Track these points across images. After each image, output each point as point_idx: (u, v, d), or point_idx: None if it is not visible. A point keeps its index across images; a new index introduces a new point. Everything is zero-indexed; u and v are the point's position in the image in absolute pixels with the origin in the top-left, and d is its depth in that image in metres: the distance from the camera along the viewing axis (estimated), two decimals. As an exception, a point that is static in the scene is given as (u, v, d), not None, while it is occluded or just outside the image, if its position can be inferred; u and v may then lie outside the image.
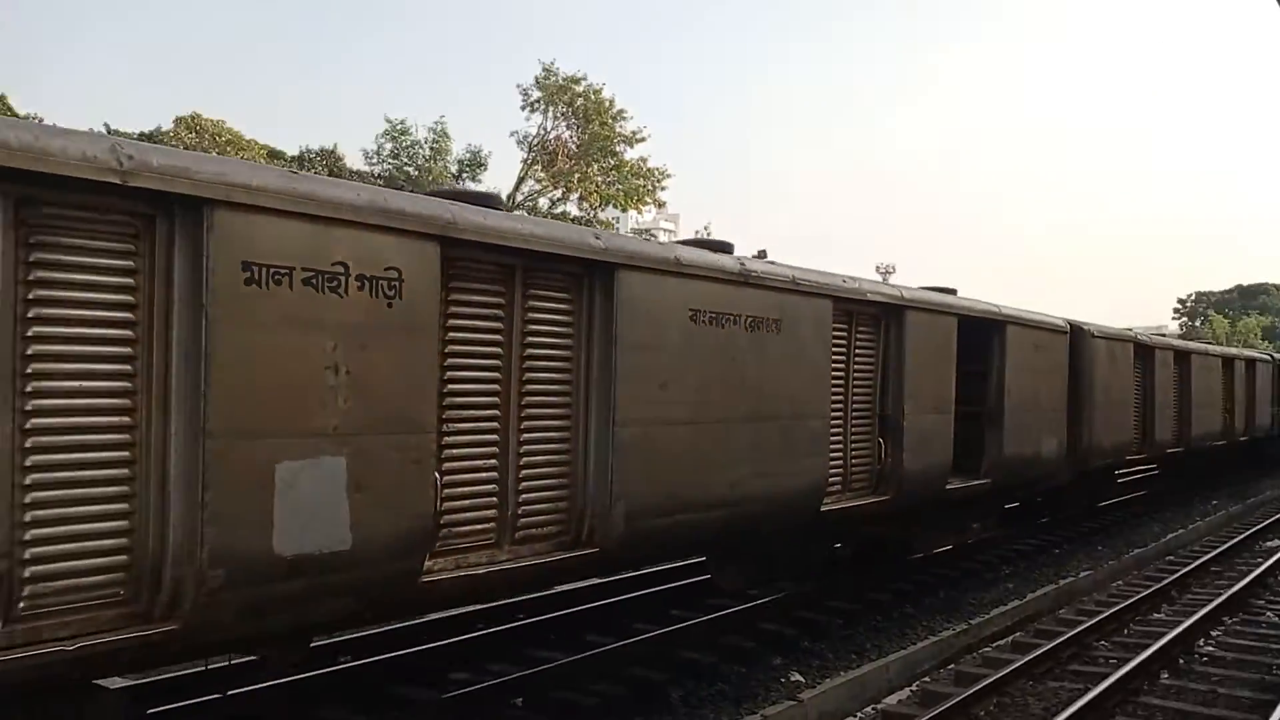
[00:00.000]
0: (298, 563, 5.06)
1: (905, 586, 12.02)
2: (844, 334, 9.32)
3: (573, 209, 56.64)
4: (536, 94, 51.82)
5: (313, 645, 6.58)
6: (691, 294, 7.32)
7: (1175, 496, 21.31)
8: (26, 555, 4.35)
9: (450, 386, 5.97)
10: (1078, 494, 16.23)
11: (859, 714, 8.23)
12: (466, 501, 6.15)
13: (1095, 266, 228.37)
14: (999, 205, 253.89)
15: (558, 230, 6.76)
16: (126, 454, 4.65)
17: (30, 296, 4.34)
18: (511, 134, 52.88)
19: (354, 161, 46.74)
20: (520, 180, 53.47)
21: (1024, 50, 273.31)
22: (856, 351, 9.57)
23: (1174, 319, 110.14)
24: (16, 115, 28.88)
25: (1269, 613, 11.93)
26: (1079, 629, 10.26)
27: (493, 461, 6.32)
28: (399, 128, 49.80)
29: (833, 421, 9.12)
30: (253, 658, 6.31)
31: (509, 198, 51.93)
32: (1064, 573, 13.84)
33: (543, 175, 53.11)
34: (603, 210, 57.17)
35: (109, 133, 25.12)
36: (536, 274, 6.49)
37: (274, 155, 42.45)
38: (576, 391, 6.77)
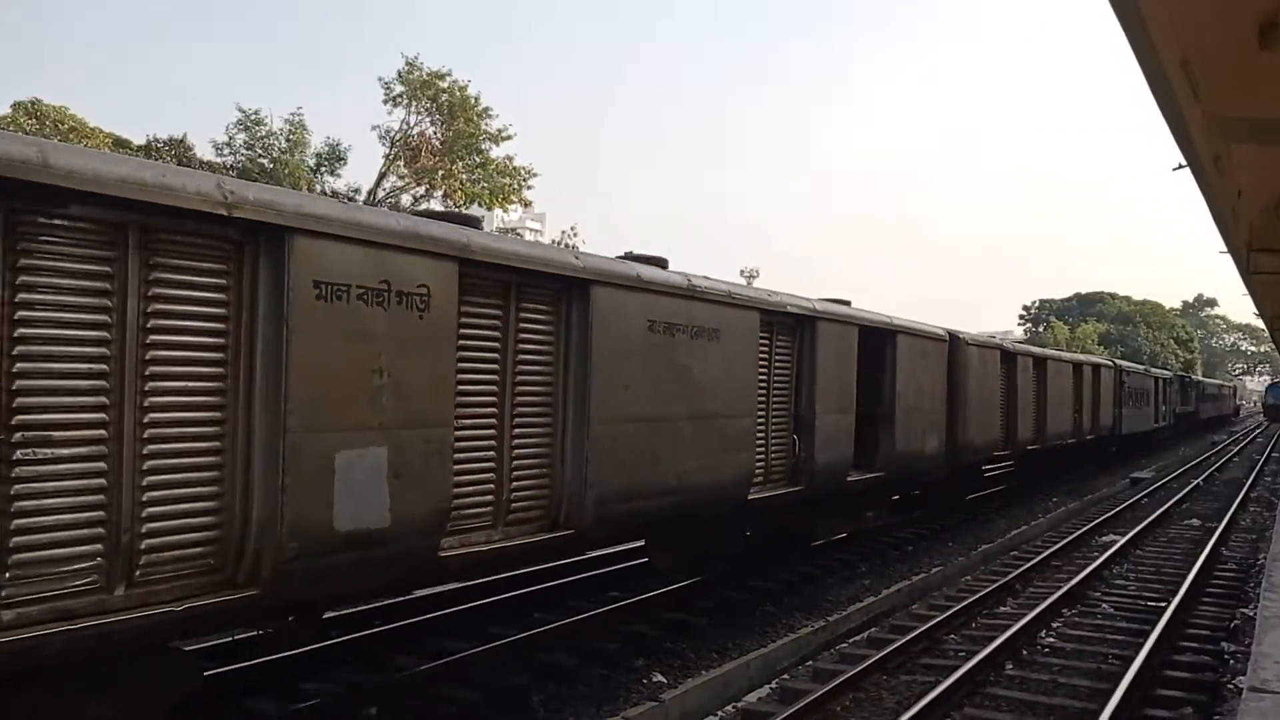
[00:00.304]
0: (351, 537, 6.15)
1: (767, 585, 12.52)
2: (767, 342, 10.97)
3: (437, 207, 56.72)
4: (399, 88, 51.61)
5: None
6: (649, 307, 8.75)
7: (1022, 494, 23.78)
8: (143, 530, 5.32)
9: (461, 387, 7.11)
10: (952, 488, 18.55)
11: (720, 713, 8.48)
12: (471, 488, 7.33)
13: (951, 272, 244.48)
14: (859, 210, 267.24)
15: (545, 251, 8.06)
16: (219, 444, 5.66)
17: (149, 310, 5.32)
18: (373, 128, 52.27)
19: (204, 152, 45.75)
20: (382, 176, 53.14)
21: (877, 56, 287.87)
22: (777, 357, 11.23)
23: (1020, 325, 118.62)
24: None
25: (1104, 605, 12.77)
26: (930, 624, 10.80)
27: (491, 453, 7.52)
28: (252, 118, 48.82)
29: (758, 420, 10.71)
30: (266, 631, 7.22)
31: (370, 193, 51.73)
32: (917, 569, 14.64)
33: (405, 171, 53.00)
34: (468, 208, 57.38)
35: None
36: (527, 289, 7.75)
37: (120, 144, 41.30)
38: (557, 392, 8.06)
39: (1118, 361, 36.69)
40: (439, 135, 52.10)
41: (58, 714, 5.23)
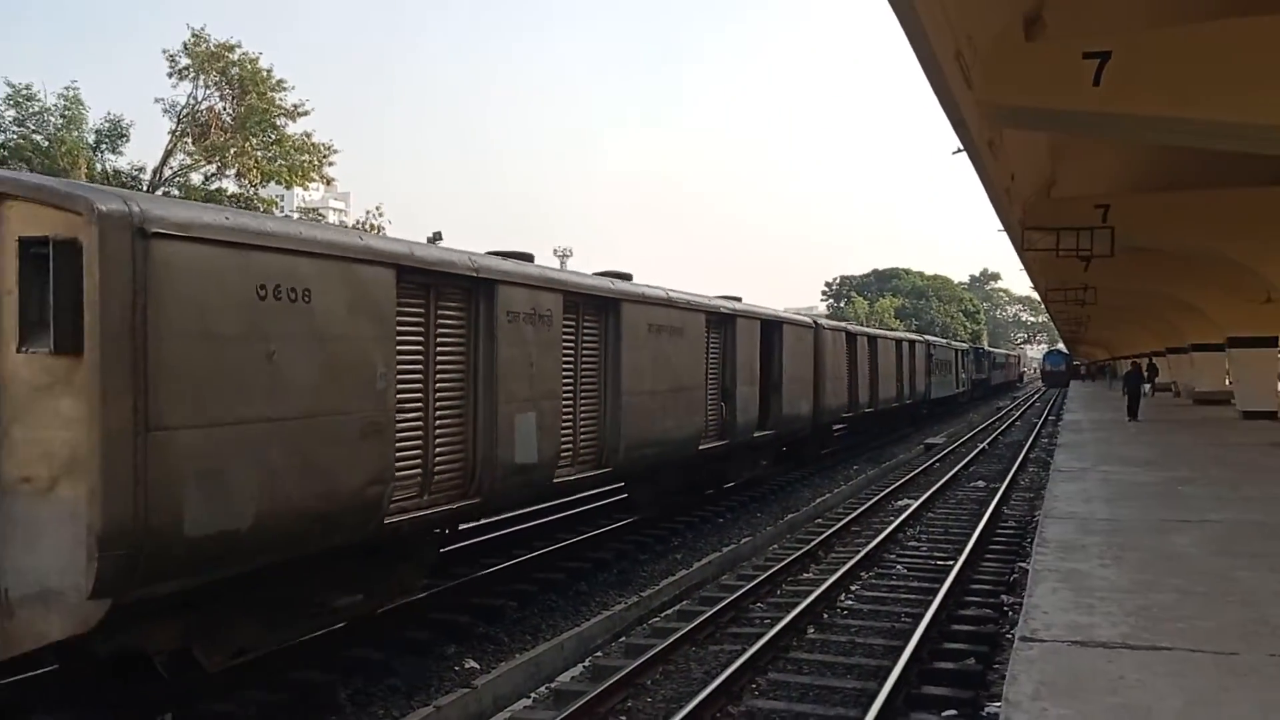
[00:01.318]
0: (521, 468, 10.91)
1: (579, 564, 13.71)
2: (707, 334, 16.47)
3: (230, 185, 57.23)
4: (185, 61, 52.03)
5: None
6: (649, 314, 14.31)
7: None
8: (434, 462, 9.87)
9: (563, 373, 12.05)
10: (814, 442, 24.86)
11: (533, 695, 8.99)
12: (566, 439, 12.23)
13: (758, 250, 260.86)
14: (670, 195, 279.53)
15: (596, 281, 13.29)
16: (462, 411, 10.26)
17: (436, 332, 9.88)
18: (157, 100, 52.26)
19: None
20: (169, 153, 53.46)
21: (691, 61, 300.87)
22: (712, 345, 16.84)
23: (822, 300, 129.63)
24: None
25: (898, 566, 13.97)
26: (737, 594, 11.77)
27: (570, 417, 12.33)
28: (23, 93, 48.90)
29: (703, 392, 16.17)
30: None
31: (155, 172, 52.51)
32: (727, 541, 16.06)
33: (194, 149, 53.54)
34: (264, 187, 58.05)
35: None
36: (586, 307, 12.89)
37: None
38: (602, 374, 13.21)
39: (928, 337, 46.32)
40: (230, 110, 52.81)
41: (392, 569, 9.72)
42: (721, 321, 17.56)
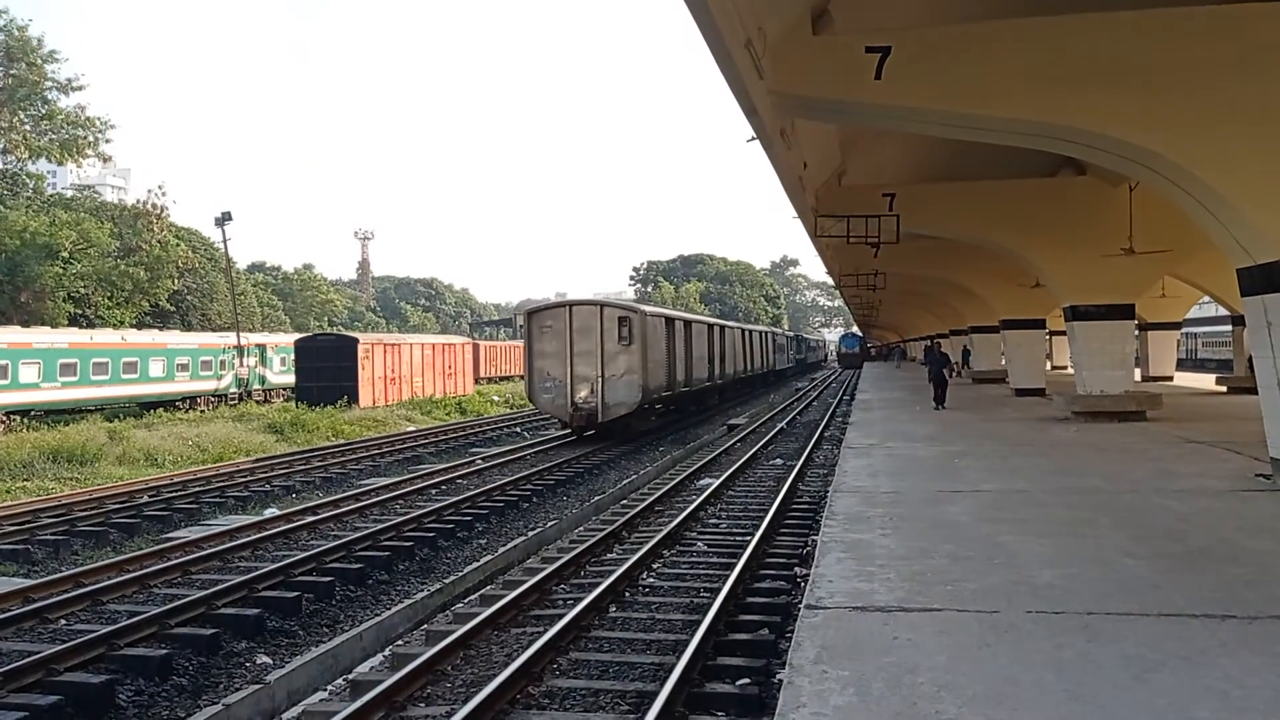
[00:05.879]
0: (681, 382, 35.76)
1: (377, 553, 13.72)
2: (708, 334, 42.64)
3: (-5, 161, 53.98)
4: (-56, 28, 48.97)
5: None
6: (697, 328, 40.03)
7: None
8: (667, 377, 33.19)
9: (693, 352, 38.90)
10: (735, 388, 51.26)
11: (329, 687, 8.78)
12: (688, 375, 37.29)
13: (566, 236, 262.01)
14: (477, 183, 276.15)
15: (688, 315, 41.40)
16: (670, 362, 33.62)
17: (667, 335, 33.23)
18: None
19: None
20: (-71, 127, 50.13)
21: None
22: (710, 339, 42.72)
23: (630, 284, 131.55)
24: None
25: (699, 543, 14.24)
26: (540, 576, 11.78)
27: (684, 367, 37.28)
28: None
29: (710, 360, 42.73)
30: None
31: (-87, 147, 48.83)
32: (533, 525, 16.49)
33: (-42, 122, 50.38)
34: (34, 163, 55.22)
35: None
36: (686, 326, 37.31)
37: None
38: (688, 351, 36.96)
39: (773, 329, 78.28)
40: (-5, 82, 49.82)
41: (655, 413, 33.92)
42: (712, 327, 43.18)
